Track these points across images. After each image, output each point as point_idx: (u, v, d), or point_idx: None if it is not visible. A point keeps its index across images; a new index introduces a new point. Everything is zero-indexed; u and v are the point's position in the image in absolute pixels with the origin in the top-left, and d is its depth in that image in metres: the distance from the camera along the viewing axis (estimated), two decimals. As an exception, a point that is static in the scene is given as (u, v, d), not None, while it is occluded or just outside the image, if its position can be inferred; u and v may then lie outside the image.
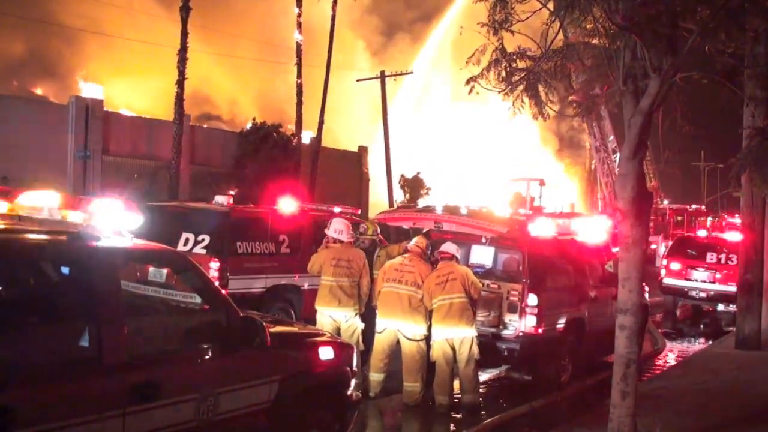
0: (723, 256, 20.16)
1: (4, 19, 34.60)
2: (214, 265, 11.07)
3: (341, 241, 10.47)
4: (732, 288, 17.02)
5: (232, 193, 12.58)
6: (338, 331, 10.13)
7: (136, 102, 37.83)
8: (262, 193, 23.04)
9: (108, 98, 32.69)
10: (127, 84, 40.10)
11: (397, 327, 9.97)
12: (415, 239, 10.54)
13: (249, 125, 33.27)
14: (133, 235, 5.61)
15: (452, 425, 9.56)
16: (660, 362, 14.72)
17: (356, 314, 10.31)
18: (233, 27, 47.49)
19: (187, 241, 11.36)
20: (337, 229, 10.52)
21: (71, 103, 26.47)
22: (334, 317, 10.24)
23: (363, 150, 41.58)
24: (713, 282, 20.00)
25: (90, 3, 38.46)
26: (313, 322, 10.38)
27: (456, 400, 10.03)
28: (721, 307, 20.45)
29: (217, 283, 8.45)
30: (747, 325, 14.71)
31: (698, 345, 17.46)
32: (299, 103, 32.85)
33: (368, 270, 10.44)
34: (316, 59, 35.18)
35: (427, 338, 9.97)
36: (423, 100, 60.84)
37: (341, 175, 37.16)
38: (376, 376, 10.11)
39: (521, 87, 8.40)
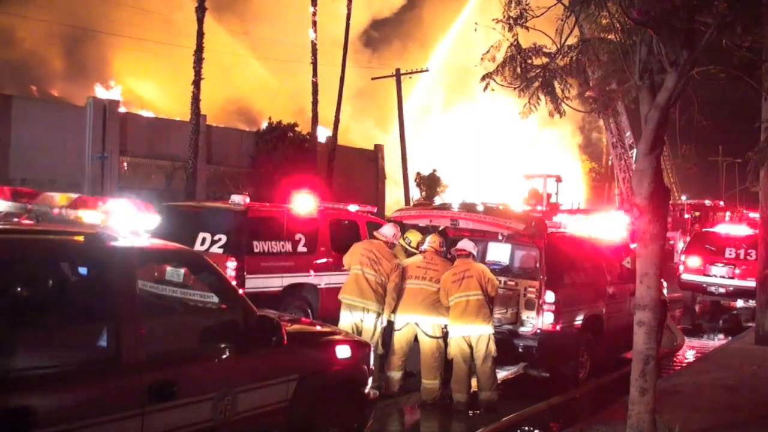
0: (742, 252, 19.97)
1: (22, 21, 34.85)
2: (231, 264, 11.06)
3: (378, 239, 10.45)
4: (751, 283, 16.88)
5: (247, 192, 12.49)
6: (358, 329, 10.04)
7: (182, 105, 38.05)
8: (278, 191, 23.09)
9: (135, 99, 32.83)
10: (158, 85, 40.32)
11: (416, 321, 9.97)
12: (428, 239, 10.52)
13: (265, 124, 33.38)
14: (150, 235, 5.64)
15: (470, 422, 9.51)
16: (679, 358, 14.65)
17: (377, 315, 10.11)
18: (252, 25, 47.73)
19: (203, 240, 11.37)
20: (384, 229, 10.60)
21: (89, 104, 26.62)
22: (353, 308, 10.06)
23: (379, 148, 41.57)
24: (732, 277, 19.83)
25: (112, 5, 38.78)
26: (331, 320, 10.32)
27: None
28: (740, 302, 20.29)
29: (234, 283, 8.51)
30: (767, 321, 14.59)
31: (717, 341, 17.35)
32: (315, 102, 32.88)
33: (397, 277, 10.10)
34: (332, 57, 35.18)
35: (445, 336, 9.96)
36: (438, 97, 60.80)
37: (357, 173, 37.17)
38: (394, 374, 10.11)
39: (537, 83, 8.36)
